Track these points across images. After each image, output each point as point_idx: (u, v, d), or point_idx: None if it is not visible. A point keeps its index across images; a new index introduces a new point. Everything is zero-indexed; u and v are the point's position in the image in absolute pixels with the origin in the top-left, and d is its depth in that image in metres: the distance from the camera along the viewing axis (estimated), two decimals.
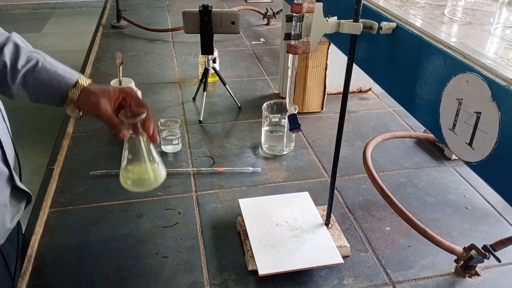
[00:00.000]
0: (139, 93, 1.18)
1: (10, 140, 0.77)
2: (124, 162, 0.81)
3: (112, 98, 0.75)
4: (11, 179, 0.76)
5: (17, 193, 0.78)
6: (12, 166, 0.77)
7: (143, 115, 0.74)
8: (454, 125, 0.53)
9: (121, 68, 1.16)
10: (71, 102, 0.75)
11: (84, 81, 0.77)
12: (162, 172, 0.85)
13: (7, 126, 0.76)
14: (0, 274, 0.77)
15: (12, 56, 0.74)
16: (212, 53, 1.30)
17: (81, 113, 0.76)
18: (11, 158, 0.76)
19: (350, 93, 1.35)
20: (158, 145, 1.13)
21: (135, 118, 0.74)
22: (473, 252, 0.76)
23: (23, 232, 0.89)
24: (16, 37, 0.76)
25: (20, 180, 0.81)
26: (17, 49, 0.75)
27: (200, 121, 1.28)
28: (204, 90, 1.33)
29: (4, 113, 0.77)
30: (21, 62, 0.74)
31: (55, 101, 0.77)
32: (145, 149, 0.81)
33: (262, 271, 0.77)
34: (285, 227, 0.86)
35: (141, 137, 0.79)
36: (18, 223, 0.85)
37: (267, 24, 2.12)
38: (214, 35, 1.23)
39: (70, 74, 0.77)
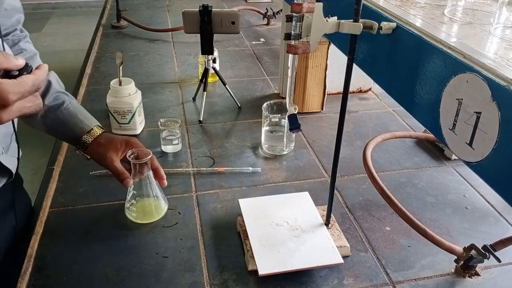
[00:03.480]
0: (139, 94, 1.19)
1: None
2: (129, 196, 0.90)
3: (118, 149, 0.87)
4: None
5: None
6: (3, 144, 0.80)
7: (149, 157, 0.85)
8: (454, 125, 0.53)
9: (121, 68, 1.16)
10: (82, 146, 0.87)
11: (98, 130, 0.89)
12: (163, 206, 0.93)
13: None
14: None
15: (42, 91, 0.83)
16: (212, 53, 1.30)
17: (89, 157, 0.88)
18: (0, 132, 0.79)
19: (350, 93, 1.35)
20: (158, 145, 1.15)
21: (141, 159, 0.84)
22: (473, 252, 0.76)
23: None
24: (52, 75, 0.88)
25: (18, 163, 0.85)
26: (48, 86, 0.86)
27: (200, 121, 1.28)
28: (204, 90, 1.33)
29: None
30: (48, 99, 0.85)
31: (67, 139, 0.91)
32: (149, 186, 0.90)
33: (262, 271, 0.77)
34: (285, 227, 0.86)
35: (145, 175, 0.88)
36: (23, 190, 0.97)
37: (267, 24, 2.12)
38: (214, 35, 1.23)
39: (88, 120, 0.89)
